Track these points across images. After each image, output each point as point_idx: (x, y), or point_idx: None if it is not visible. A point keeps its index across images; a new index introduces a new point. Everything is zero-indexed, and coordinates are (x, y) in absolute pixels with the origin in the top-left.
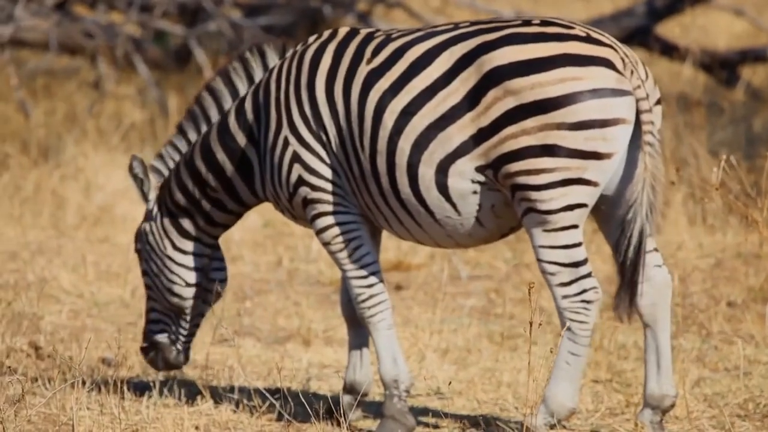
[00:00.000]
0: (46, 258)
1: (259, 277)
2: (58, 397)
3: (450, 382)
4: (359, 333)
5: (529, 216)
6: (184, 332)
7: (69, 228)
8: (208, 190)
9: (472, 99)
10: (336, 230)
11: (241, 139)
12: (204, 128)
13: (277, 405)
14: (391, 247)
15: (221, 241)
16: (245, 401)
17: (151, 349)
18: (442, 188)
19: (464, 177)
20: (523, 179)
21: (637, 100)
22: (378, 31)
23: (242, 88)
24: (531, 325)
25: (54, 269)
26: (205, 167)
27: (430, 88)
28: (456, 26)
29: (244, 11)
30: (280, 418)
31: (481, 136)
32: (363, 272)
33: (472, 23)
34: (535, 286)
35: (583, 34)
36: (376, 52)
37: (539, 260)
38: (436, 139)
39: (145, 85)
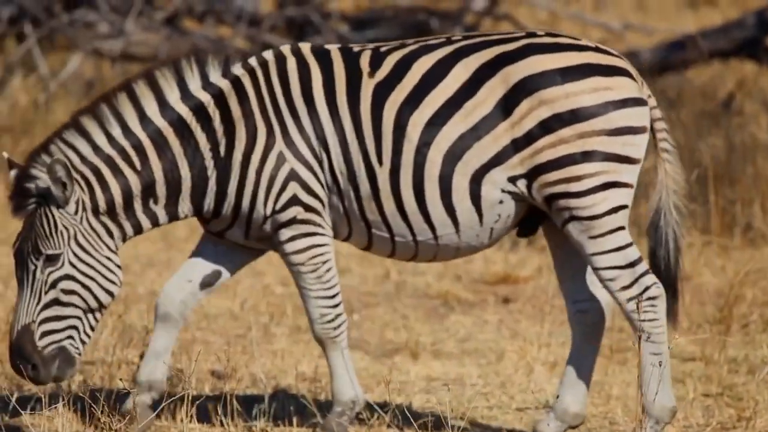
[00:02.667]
0: (156, 271)
1: (366, 290)
2: (169, 410)
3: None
4: (165, 331)
5: (572, 225)
6: (90, 333)
7: (179, 241)
8: (142, 199)
9: (504, 109)
10: (314, 251)
11: (192, 153)
12: (114, 130)
13: (386, 418)
14: (498, 260)
15: None
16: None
17: (49, 361)
18: (475, 198)
19: (496, 187)
20: (563, 187)
21: (651, 109)
22: (334, 45)
23: (170, 95)
24: (639, 339)
25: (164, 282)
26: (138, 177)
27: (454, 99)
28: (449, 40)
29: (351, 25)
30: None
31: (516, 146)
32: (330, 293)
33: (465, 37)
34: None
35: (593, 45)
36: (375, 65)
37: (595, 269)
38: (471, 149)
39: None
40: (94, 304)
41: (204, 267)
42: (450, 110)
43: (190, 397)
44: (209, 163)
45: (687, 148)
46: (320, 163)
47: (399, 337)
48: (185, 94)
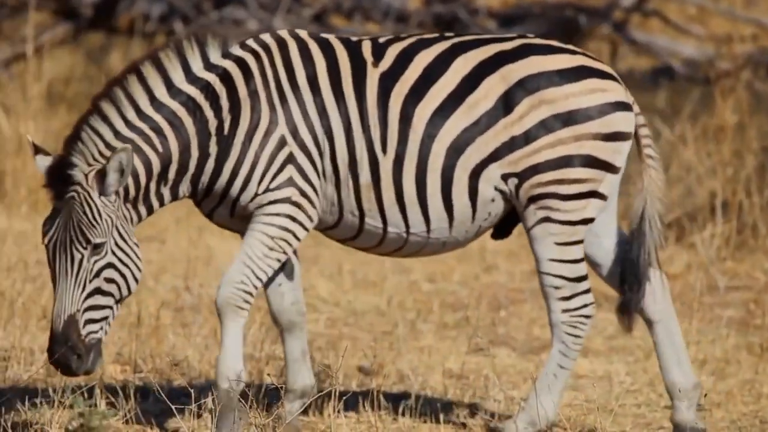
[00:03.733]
0: (304, 267)
1: (513, 286)
2: (316, 405)
3: (705, 394)
4: (294, 337)
5: (542, 227)
6: (111, 324)
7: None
8: (156, 181)
9: (504, 106)
10: (287, 237)
11: (201, 132)
12: (129, 114)
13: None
14: None
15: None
16: (501, 411)
17: (90, 351)
18: (473, 193)
19: (490, 183)
20: (553, 188)
21: (635, 115)
22: (331, 34)
23: (176, 76)
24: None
25: (311, 278)
26: (159, 159)
27: (456, 93)
28: (443, 36)
29: (499, 21)
30: None
31: (514, 144)
32: (262, 274)
33: (458, 35)
34: None
35: (580, 50)
36: (377, 56)
37: (544, 273)
38: (473, 144)
39: None
40: (126, 293)
41: (280, 269)
42: (453, 104)
43: (337, 393)
44: (212, 140)
45: None
46: (320, 151)
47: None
48: (189, 75)
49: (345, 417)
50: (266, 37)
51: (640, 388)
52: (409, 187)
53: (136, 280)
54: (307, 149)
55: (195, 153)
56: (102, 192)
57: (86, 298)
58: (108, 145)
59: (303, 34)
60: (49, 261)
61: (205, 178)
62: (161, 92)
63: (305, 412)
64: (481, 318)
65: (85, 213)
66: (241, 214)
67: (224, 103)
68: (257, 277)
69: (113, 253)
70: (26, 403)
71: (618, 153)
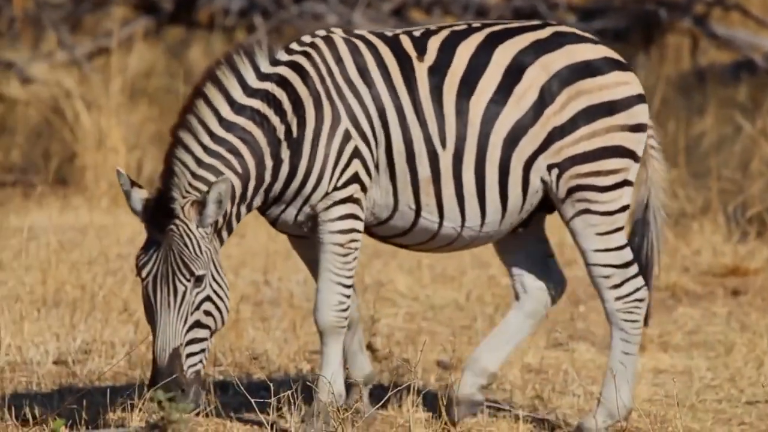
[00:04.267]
0: (383, 261)
1: None
2: (396, 399)
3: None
4: (352, 332)
5: (582, 218)
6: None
7: None
8: (237, 203)
9: (548, 96)
10: (354, 236)
11: (269, 142)
12: (204, 139)
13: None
14: (727, 251)
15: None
16: (580, 405)
17: (191, 385)
18: (525, 184)
19: (538, 174)
20: (591, 180)
21: None
22: (363, 30)
23: (235, 92)
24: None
25: (390, 272)
26: (238, 179)
27: (503, 85)
28: (471, 27)
29: (578, 15)
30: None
31: (555, 134)
32: (350, 281)
33: (483, 24)
34: None
35: (597, 38)
36: (420, 50)
37: (592, 264)
38: (526, 136)
39: None
40: (220, 325)
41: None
42: (503, 96)
43: (416, 388)
44: (283, 146)
45: None
46: (377, 141)
47: None
48: (247, 89)
49: (423, 411)
50: (309, 39)
51: (721, 384)
52: (469, 181)
53: (228, 311)
54: (367, 140)
55: (269, 163)
56: (200, 223)
57: (188, 331)
58: (194, 175)
59: (340, 32)
60: (148, 294)
61: (278, 185)
62: (226, 111)
63: (384, 406)
64: (559, 313)
65: (186, 245)
66: (307, 215)
67: (287, 106)
68: (346, 287)
69: (210, 285)
70: (107, 396)
71: (640, 144)
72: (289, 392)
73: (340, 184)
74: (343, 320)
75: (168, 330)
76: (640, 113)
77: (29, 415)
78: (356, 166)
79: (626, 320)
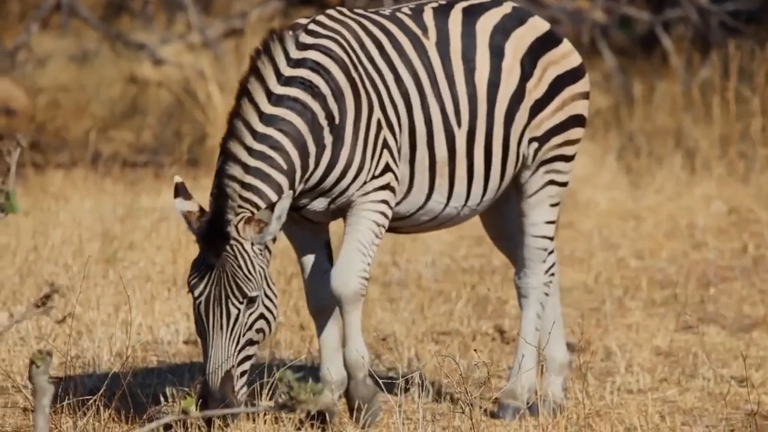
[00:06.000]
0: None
1: (723, 263)
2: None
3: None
4: (330, 325)
5: (545, 191)
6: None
7: None
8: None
9: (527, 70)
10: (386, 222)
11: (311, 129)
12: (247, 140)
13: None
14: None
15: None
16: (710, 389)
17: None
18: (516, 160)
19: (523, 149)
20: (561, 150)
21: None
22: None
23: (271, 82)
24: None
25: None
26: (285, 177)
27: (493, 62)
28: (441, 4)
29: None
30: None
31: (536, 107)
32: (372, 259)
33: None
34: None
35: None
36: (422, 27)
37: (538, 236)
38: (519, 111)
39: (610, 71)
40: (265, 338)
41: (320, 253)
42: (496, 72)
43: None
44: (326, 131)
45: None
46: (401, 127)
47: (756, 312)
48: (281, 78)
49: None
50: (325, 20)
51: None
52: (479, 160)
53: (276, 321)
54: (392, 129)
55: (312, 149)
56: (256, 240)
57: (239, 351)
58: (243, 184)
59: (350, 12)
60: (200, 315)
61: (319, 171)
62: (264, 104)
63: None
64: (689, 295)
65: (240, 266)
66: (340, 205)
67: (326, 91)
68: (369, 264)
69: (263, 303)
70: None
71: (587, 113)
72: (417, 373)
73: (377, 173)
74: (365, 289)
75: (220, 353)
76: (588, 81)
77: (160, 394)
78: (386, 156)
79: (546, 294)
